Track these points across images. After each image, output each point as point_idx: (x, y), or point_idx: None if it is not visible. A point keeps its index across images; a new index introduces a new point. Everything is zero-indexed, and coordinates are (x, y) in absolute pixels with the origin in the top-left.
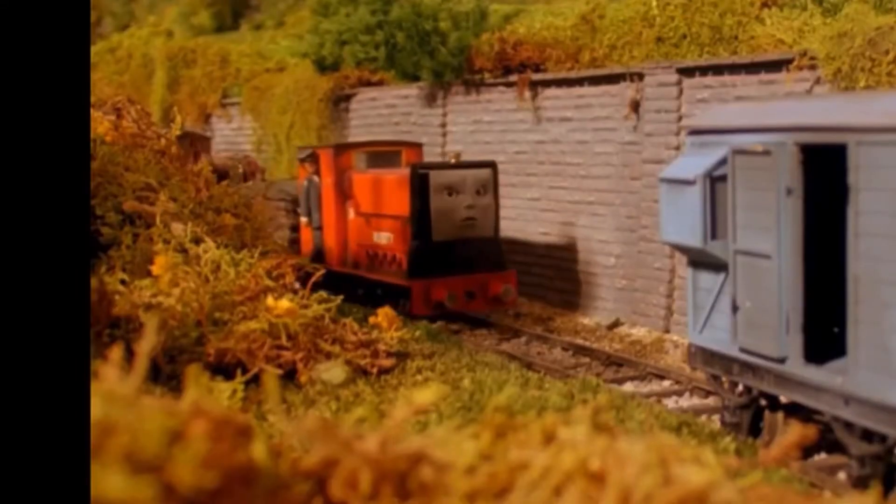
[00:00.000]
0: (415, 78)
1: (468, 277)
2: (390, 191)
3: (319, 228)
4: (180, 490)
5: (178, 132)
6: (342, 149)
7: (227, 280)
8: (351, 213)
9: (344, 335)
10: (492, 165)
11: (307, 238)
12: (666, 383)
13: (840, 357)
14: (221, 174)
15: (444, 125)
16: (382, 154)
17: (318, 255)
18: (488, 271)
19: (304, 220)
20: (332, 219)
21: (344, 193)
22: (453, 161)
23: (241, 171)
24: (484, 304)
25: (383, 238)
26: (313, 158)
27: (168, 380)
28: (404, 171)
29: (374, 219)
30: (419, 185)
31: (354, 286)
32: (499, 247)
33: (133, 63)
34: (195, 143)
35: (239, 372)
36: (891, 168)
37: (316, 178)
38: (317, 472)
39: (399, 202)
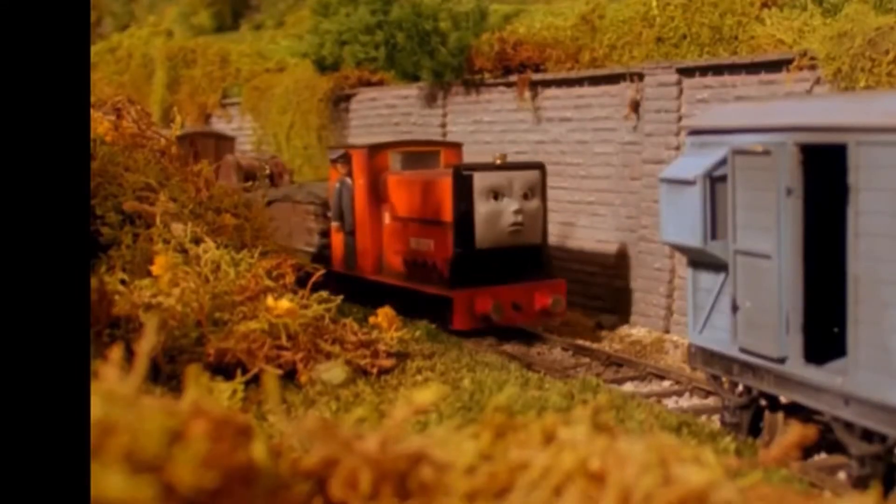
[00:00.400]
0: (415, 78)
1: (515, 288)
2: (431, 194)
3: (352, 234)
4: (180, 490)
5: (177, 132)
6: (377, 149)
7: (227, 280)
8: (386, 218)
9: (344, 335)
10: (540, 167)
11: (338, 244)
12: (666, 383)
13: (840, 357)
14: (248, 175)
15: (444, 125)
16: (420, 154)
17: (351, 262)
18: (536, 281)
19: (335, 224)
20: (365, 224)
21: (379, 196)
22: (499, 162)
23: (268, 172)
24: (531, 317)
25: (422, 245)
26: (345, 159)
27: (168, 380)
28: (446, 173)
29: (413, 224)
30: (462, 187)
31: (389, 295)
32: (547, 254)
33: (133, 63)
34: (219, 143)
35: (239, 372)
36: (891, 168)
37: (348, 180)
38: (317, 472)
39: (440, 206)
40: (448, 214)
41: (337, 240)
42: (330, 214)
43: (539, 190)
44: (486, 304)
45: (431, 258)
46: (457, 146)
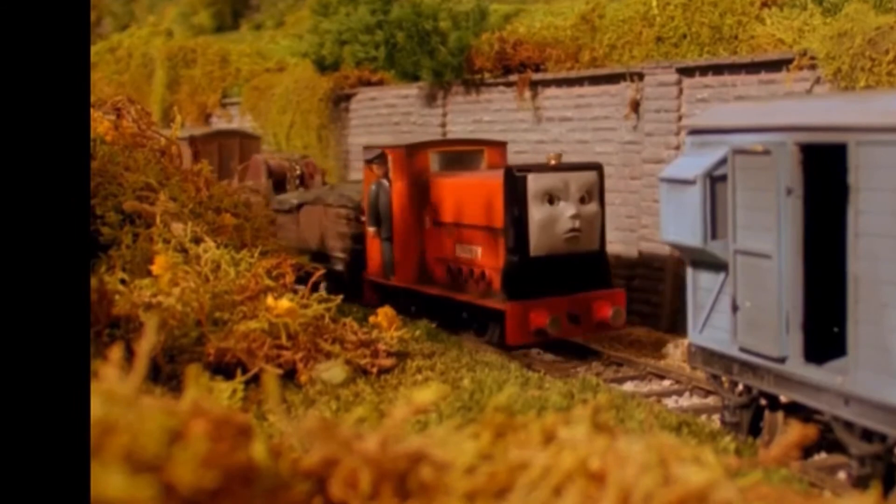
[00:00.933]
0: (415, 78)
1: (572, 299)
2: (479, 197)
3: (389, 240)
4: (180, 490)
5: (177, 132)
6: (416, 148)
7: (227, 280)
8: (428, 223)
9: (344, 335)
10: (598, 168)
11: (374, 250)
12: (666, 383)
13: (840, 357)
14: (278, 176)
15: (444, 125)
16: (462, 154)
17: (389, 270)
18: (594, 291)
19: (371, 230)
20: (404, 229)
21: (419, 199)
22: (553, 163)
23: (298, 172)
24: (590, 330)
25: (469, 252)
26: (382, 159)
27: (168, 380)
28: (495, 174)
29: (458, 229)
30: (515, 190)
31: (431, 306)
32: (605, 262)
33: (133, 63)
34: (243, 142)
35: (239, 372)
36: (891, 168)
37: (385, 183)
38: (317, 472)
39: (490, 210)
40: (499, 219)
41: (373, 246)
42: (365, 219)
43: (597, 193)
44: (542, 317)
45: (479, 267)
46: (501, 145)
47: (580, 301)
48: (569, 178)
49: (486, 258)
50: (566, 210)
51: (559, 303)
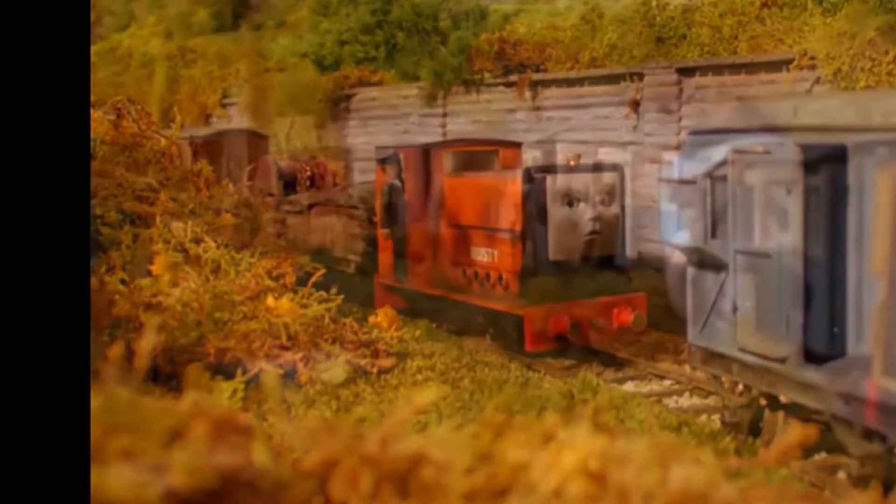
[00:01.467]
0: (415, 78)
1: (592, 304)
2: (496, 199)
3: (402, 242)
4: (180, 490)
5: (177, 133)
6: (430, 148)
7: (227, 280)
8: (441, 225)
9: (344, 335)
10: (618, 169)
11: (386, 253)
12: (666, 383)
13: (840, 357)
14: (288, 178)
15: (444, 125)
16: (477, 154)
17: (401, 273)
18: (615, 296)
19: (383, 231)
20: (418, 231)
21: (434, 201)
22: (573, 164)
23: (309, 173)
24: (611, 336)
25: (486, 255)
26: (395, 160)
27: (168, 380)
28: (513, 175)
29: (474, 232)
30: (533, 192)
31: (446, 310)
32: (626, 266)
33: (133, 63)
34: (251, 142)
35: (239, 372)
36: (891, 168)
37: (398, 183)
38: (317, 472)
39: (507, 213)
40: (517, 222)
41: (385, 248)
42: (377, 220)
43: (617, 194)
44: (562, 323)
45: (496, 270)
46: (516, 145)
47: (600, 306)
48: (588, 179)
49: (503, 261)
50: (586, 212)
51: (579, 308)
